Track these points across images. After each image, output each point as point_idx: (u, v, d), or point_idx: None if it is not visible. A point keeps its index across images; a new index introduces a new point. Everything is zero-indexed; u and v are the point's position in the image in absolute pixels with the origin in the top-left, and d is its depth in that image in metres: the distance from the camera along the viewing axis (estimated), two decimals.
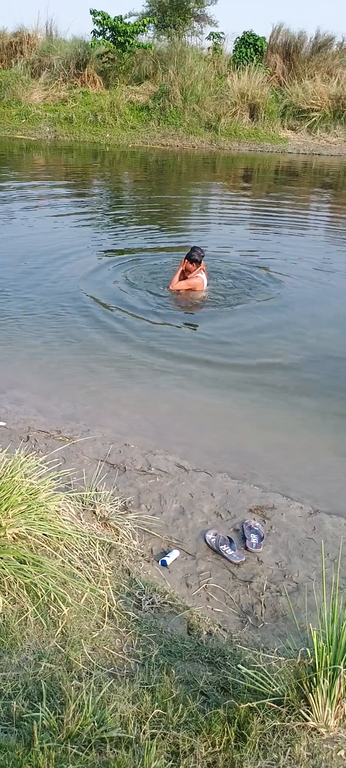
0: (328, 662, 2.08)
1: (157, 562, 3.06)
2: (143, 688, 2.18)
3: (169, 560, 3.05)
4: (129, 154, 17.79)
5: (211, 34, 23.78)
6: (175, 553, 3.12)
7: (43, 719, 1.95)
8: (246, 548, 3.22)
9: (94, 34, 20.88)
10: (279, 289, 7.38)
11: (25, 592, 2.53)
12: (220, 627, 2.68)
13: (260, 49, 21.72)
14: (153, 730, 1.99)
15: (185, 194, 13.82)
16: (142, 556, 3.07)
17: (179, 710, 2.07)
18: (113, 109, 19.71)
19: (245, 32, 22.18)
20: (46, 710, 1.98)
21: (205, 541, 3.25)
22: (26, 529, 2.72)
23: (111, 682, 2.18)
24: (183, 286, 7.02)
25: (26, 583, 2.54)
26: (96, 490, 3.30)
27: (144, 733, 1.97)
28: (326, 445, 4.38)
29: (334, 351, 5.91)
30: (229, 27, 44.82)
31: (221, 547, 3.18)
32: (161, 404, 4.86)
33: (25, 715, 1.99)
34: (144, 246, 9.10)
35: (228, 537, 3.26)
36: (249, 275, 7.81)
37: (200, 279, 7.04)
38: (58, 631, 2.42)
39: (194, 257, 7.00)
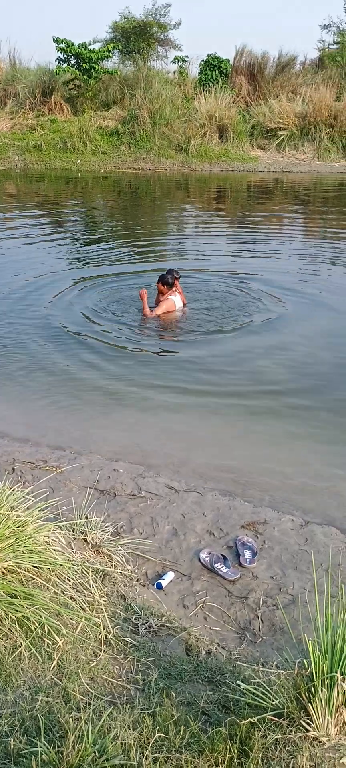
0: (325, 671, 2.09)
1: (153, 585, 3.04)
2: (144, 713, 2.16)
3: (164, 582, 3.04)
4: (101, 180, 17.90)
5: (176, 57, 24.21)
6: (170, 575, 3.11)
7: (42, 754, 1.92)
8: (240, 564, 3.23)
9: (58, 62, 21.05)
10: (259, 307, 7.45)
11: (17, 626, 2.49)
12: (218, 645, 2.68)
13: (225, 71, 22.18)
14: (155, 755, 1.97)
15: (159, 217, 13.95)
16: (137, 580, 3.05)
17: (181, 732, 2.06)
18: (83, 135, 19.86)
19: (209, 55, 22.63)
20: (44, 744, 1.95)
21: (199, 560, 3.25)
22: (15, 562, 2.69)
23: (111, 710, 2.16)
24: (156, 312, 6.96)
25: (18, 618, 2.51)
26: (86, 518, 3.28)
27: (146, 759, 1.95)
28: (313, 457, 4.42)
29: (319, 364, 5.98)
30: (193, 50, 45.60)
31: (216, 565, 3.18)
32: (148, 427, 4.86)
33: (23, 752, 1.96)
34: (120, 270, 9.15)
35: (222, 555, 3.26)
36: (228, 294, 7.88)
37: (170, 301, 6.99)
38: (53, 664, 2.39)
39: (165, 279, 6.99)
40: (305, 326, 6.94)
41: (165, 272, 7.08)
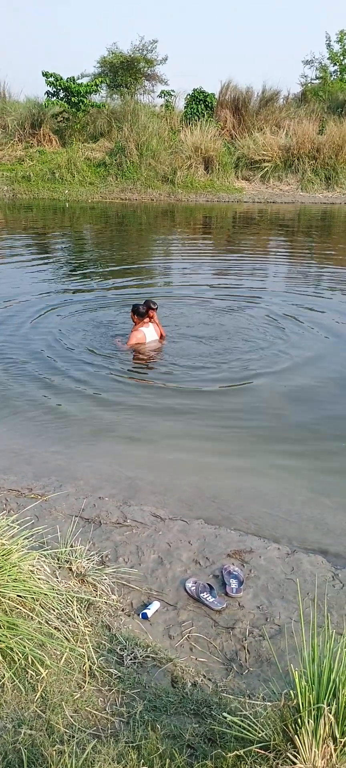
0: (311, 702, 2.07)
1: (138, 615, 3.01)
2: (129, 746, 2.13)
3: (149, 612, 3.01)
4: (88, 209, 18.05)
5: (162, 92, 24.69)
6: (155, 605, 3.08)
7: None
8: (226, 594, 3.20)
9: (48, 95, 21.38)
10: (246, 333, 7.52)
11: (0, 657, 2.45)
12: (204, 677, 2.64)
13: (210, 104, 22.64)
14: None
15: (146, 245, 14.06)
16: (122, 610, 3.01)
17: (166, 765, 2.03)
18: (71, 166, 20.10)
19: (194, 89, 23.12)
20: None
21: (185, 589, 3.22)
22: None
23: (95, 742, 2.12)
24: (127, 345, 6.93)
25: (1, 648, 2.47)
26: (71, 546, 3.25)
27: None
28: (299, 485, 4.42)
29: (304, 391, 6.02)
30: (179, 85, 46.55)
31: (202, 594, 3.16)
32: (133, 455, 4.85)
33: None
34: (105, 298, 9.18)
35: (208, 584, 3.24)
36: (213, 321, 7.94)
37: (141, 333, 6.92)
38: (37, 696, 2.34)
39: (136, 309, 6.97)
40: (292, 352, 6.99)
41: (141, 303, 7.07)
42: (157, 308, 7.10)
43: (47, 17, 52.85)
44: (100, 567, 3.24)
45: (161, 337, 7.15)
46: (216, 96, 22.70)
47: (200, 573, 3.39)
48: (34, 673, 2.42)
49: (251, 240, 14.39)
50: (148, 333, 6.99)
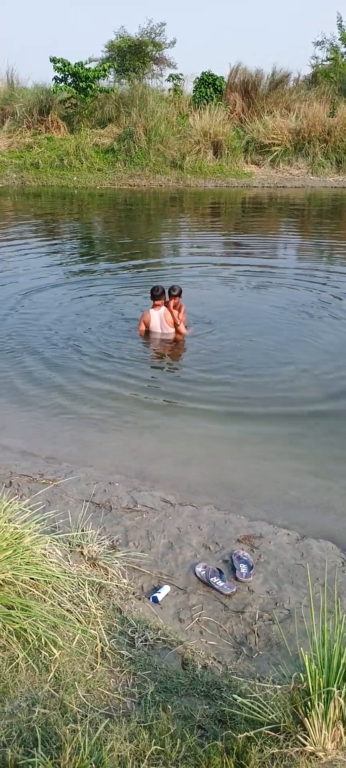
0: (321, 685, 2.09)
1: (149, 598, 3.04)
2: (140, 726, 2.16)
3: (160, 596, 3.04)
4: (97, 196, 18.00)
5: (170, 75, 24.39)
6: (166, 589, 3.11)
7: (39, 765, 1.92)
8: (236, 579, 3.23)
9: (55, 81, 21.23)
10: (257, 320, 7.50)
11: (14, 638, 2.49)
12: (214, 659, 2.67)
13: (219, 88, 22.39)
14: (152, 767, 1.97)
15: (155, 232, 14.02)
16: (133, 593, 3.05)
17: (177, 745, 2.06)
18: (79, 152, 20.00)
19: (203, 72, 22.85)
20: (42, 755, 1.95)
21: (195, 574, 3.25)
22: (12, 574, 2.69)
23: (107, 722, 2.15)
24: (139, 329, 6.86)
25: (15, 629, 2.51)
26: (82, 531, 3.29)
27: None
28: (309, 471, 4.43)
29: (316, 377, 6.01)
30: (187, 68, 45.93)
31: (212, 579, 3.19)
32: (143, 441, 4.88)
33: (20, 762, 1.96)
34: (117, 284, 9.18)
35: (218, 569, 3.27)
36: (221, 309, 7.92)
37: (146, 314, 6.86)
38: (50, 676, 2.38)
39: (151, 291, 6.86)
40: (305, 340, 6.97)
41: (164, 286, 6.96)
42: (175, 296, 6.83)
43: (54, 1, 52.45)
44: (111, 551, 3.28)
45: (176, 327, 6.85)
46: (225, 79, 22.45)
47: (209, 558, 3.41)
48: (47, 654, 2.46)
49: (260, 226, 14.30)
50: (154, 317, 6.84)
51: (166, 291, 6.93)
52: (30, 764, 1.92)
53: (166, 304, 6.88)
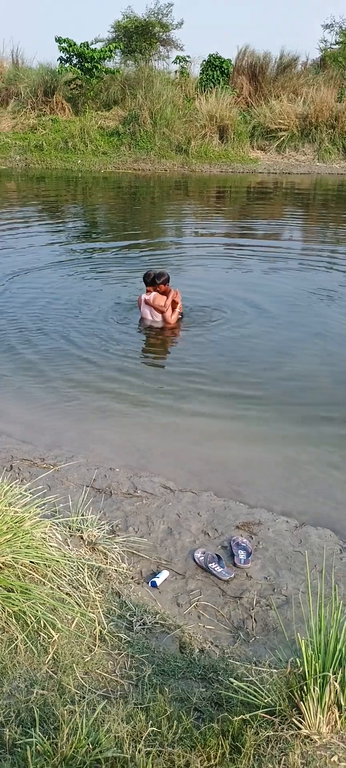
0: (317, 670, 2.12)
1: (147, 583, 3.07)
2: (137, 707, 2.19)
3: (159, 581, 3.07)
4: (101, 180, 17.91)
5: (177, 57, 24.14)
6: (164, 574, 3.14)
7: (36, 744, 1.95)
8: (235, 565, 3.25)
9: (60, 62, 21.03)
10: (259, 309, 7.48)
11: (13, 620, 2.52)
12: (212, 644, 2.70)
13: (226, 71, 22.17)
14: (148, 748, 2.00)
15: (159, 217, 13.96)
16: (132, 578, 3.08)
17: (174, 727, 2.09)
18: (84, 135, 19.87)
19: (210, 55, 22.61)
20: (39, 735, 1.98)
21: (193, 559, 3.28)
22: (12, 557, 2.71)
23: (104, 703, 2.19)
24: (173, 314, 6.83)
25: (15, 611, 2.54)
26: (82, 516, 3.31)
27: (139, 752, 1.97)
28: (308, 458, 4.44)
29: (315, 366, 6.00)
30: (195, 50, 45.67)
31: (210, 565, 3.21)
32: (144, 427, 4.89)
33: (18, 742, 1.99)
34: (119, 270, 9.17)
35: (216, 555, 3.29)
36: (222, 296, 7.89)
37: (139, 298, 6.91)
38: (49, 658, 2.41)
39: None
40: (304, 329, 6.96)
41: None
42: (160, 283, 6.72)
43: None
44: (110, 536, 3.30)
45: (163, 315, 6.73)
46: (232, 62, 22.23)
47: (208, 544, 3.44)
48: (46, 636, 2.49)
49: (265, 213, 14.21)
50: (142, 302, 6.85)
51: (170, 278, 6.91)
52: (28, 744, 1.95)
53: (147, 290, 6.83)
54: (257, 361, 6.06)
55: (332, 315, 7.42)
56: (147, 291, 6.83)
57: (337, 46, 25.93)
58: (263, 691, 2.17)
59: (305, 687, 2.12)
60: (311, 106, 20.07)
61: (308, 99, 20.30)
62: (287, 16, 47.93)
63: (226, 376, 5.73)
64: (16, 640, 2.45)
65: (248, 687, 2.20)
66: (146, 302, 6.81)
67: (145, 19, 24.13)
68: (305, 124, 20.20)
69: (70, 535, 3.17)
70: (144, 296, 6.85)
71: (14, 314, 7.22)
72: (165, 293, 6.80)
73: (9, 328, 6.75)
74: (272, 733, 2.05)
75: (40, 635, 2.50)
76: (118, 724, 2.08)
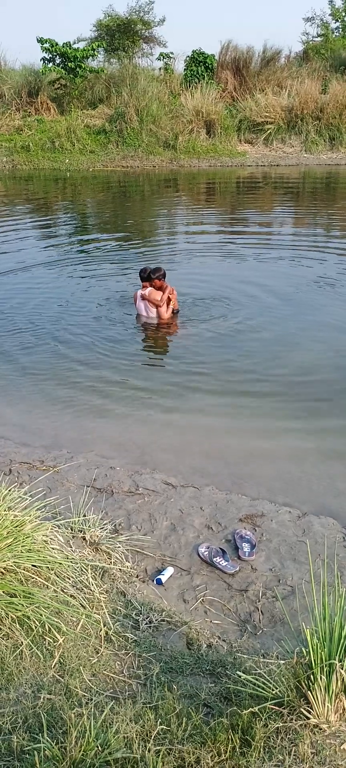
0: (323, 658, 2.11)
1: (152, 580, 3.06)
2: (146, 706, 2.18)
3: (164, 578, 3.06)
4: (90, 178, 17.85)
5: (161, 54, 24.08)
6: (169, 570, 3.12)
7: (45, 750, 1.93)
8: (239, 558, 3.25)
9: (44, 62, 20.95)
10: (256, 300, 7.46)
11: (17, 625, 2.50)
12: (219, 638, 2.70)
13: (210, 66, 22.15)
14: (158, 747, 1.98)
15: (149, 214, 13.93)
16: (137, 576, 3.06)
17: (183, 724, 2.08)
18: (70, 134, 19.80)
19: (194, 51, 22.58)
20: (47, 740, 1.96)
21: (198, 554, 3.27)
22: (14, 562, 2.69)
23: (112, 704, 2.17)
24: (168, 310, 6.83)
25: (18, 617, 2.52)
26: (84, 516, 3.29)
27: (149, 751, 1.96)
28: (309, 448, 4.44)
29: (314, 356, 5.99)
30: (178, 46, 45.52)
31: (215, 559, 3.20)
32: (143, 424, 4.87)
33: (26, 748, 1.97)
34: (113, 268, 9.13)
35: (221, 548, 3.28)
36: (222, 290, 7.87)
37: (136, 293, 6.92)
38: (55, 661, 2.40)
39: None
40: (303, 321, 6.95)
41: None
42: (155, 278, 6.73)
43: None
44: (113, 535, 3.29)
45: (158, 310, 6.75)
46: (216, 57, 22.21)
47: (212, 538, 3.43)
48: (51, 640, 2.47)
49: (256, 205, 14.21)
50: (138, 297, 6.85)
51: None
52: (36, 750, 1.93)
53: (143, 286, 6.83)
54: (257, 352, 6.05)
55: (329, 304, 7.42)
56: (143, 286, 6.83)
57: (319, 39, 25.99)
58: (271, 683, 2.17)
59: (312, 676, 2.11)
60: (296, 98, 20.08)
61: (293, 92, 20.31)
62: (268, 10, 47.88)
63: (225, 369, 5.72)
64: (20, 645, 2.43)
65: (257, 680, 2.19)
66: (142, 297, 6.82)
67: (126, 17, 24.03)
68: (290, 116, 20.21)
69: (73, 537, 3.15)
70: (140, 291, 6.85)
71: (7, 315, 7.18)
72: (161, 288, 6.79)
73: (2, 330, 6.71)
74: (281, 724, 2.04)
75: (45, 639, 2.48)
76: (127, 724, 2.06)
